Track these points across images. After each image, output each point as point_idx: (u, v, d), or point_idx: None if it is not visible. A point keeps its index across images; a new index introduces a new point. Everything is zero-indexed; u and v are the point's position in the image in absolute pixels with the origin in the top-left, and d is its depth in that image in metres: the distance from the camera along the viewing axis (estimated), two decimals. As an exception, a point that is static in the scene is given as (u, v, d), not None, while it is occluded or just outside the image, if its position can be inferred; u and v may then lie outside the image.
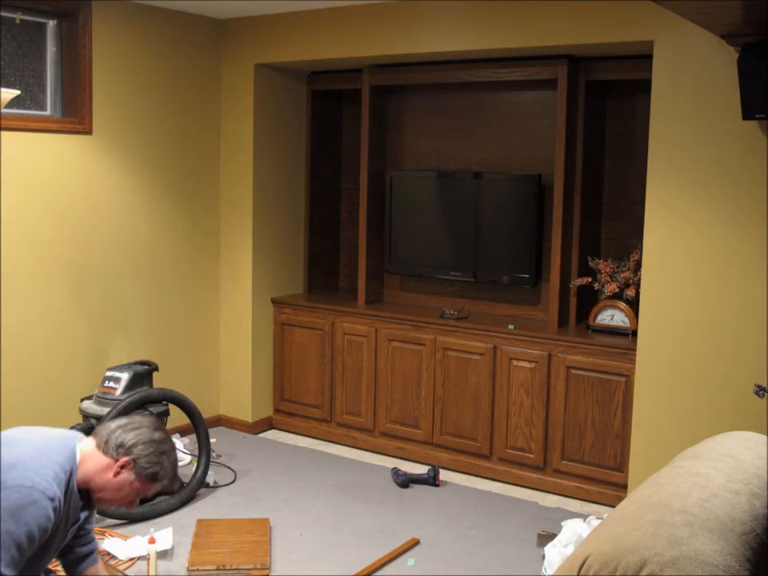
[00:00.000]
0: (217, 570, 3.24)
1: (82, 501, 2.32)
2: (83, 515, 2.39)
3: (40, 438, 2.29)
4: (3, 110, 3.56)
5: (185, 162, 4.77)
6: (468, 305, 4.76)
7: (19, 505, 2.07)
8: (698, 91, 3.57)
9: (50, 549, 2.28)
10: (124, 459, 2.30)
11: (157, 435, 2.37)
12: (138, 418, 2.42)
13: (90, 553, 2.53)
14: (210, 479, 4.09)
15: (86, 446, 2.33)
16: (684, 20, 3.23)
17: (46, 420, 4.14)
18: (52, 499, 2.13)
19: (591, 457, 4.06)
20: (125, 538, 3.47)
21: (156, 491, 2.43)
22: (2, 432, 2.33)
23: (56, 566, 2.74)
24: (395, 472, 4.25)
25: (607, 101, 4.38)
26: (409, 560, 3.38)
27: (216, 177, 4.98)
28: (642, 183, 3.90)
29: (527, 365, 4.18)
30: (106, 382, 3.90)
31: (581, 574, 1.26)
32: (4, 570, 2.05)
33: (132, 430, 2.34)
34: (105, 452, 2.31)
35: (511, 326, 4.27)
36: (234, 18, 4.82)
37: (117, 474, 2.30)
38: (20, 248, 3.99)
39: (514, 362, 4.22)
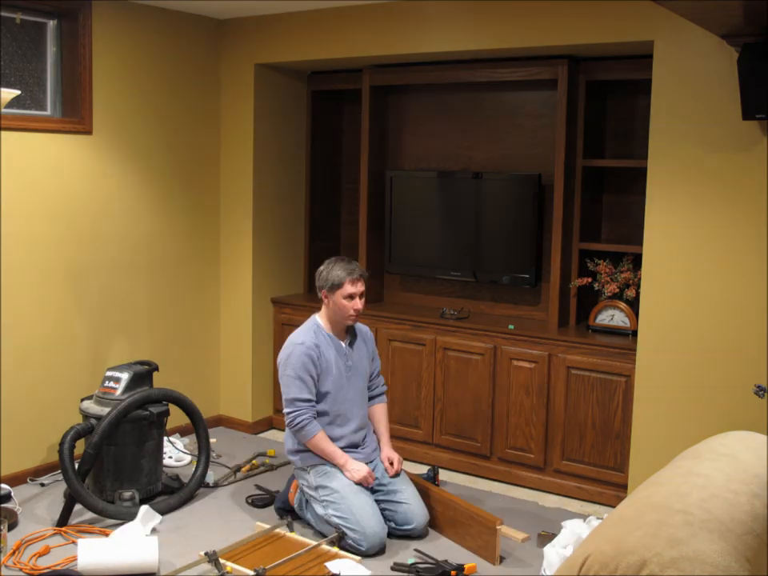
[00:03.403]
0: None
1: (341, 342, 3.63)
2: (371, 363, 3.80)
3: None
4: (3, 110, 3.56)
5: (185, 162, 4.77)
6: (468, 305, 4.76)
7: (286, 357, 3.53)
8: (698, 91, 3.56)
9: (342, 389, 3.60)
10: (322, 293, 3.58)
11: (322, 266, 3.60)
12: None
13: (378, 395, 3.86)
14: (209, 479, 4.09)
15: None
16: (684, 20, 3.23)
17: (46, 420, 4.15)
18: (302, 343, 3.51)
19: (591, 457, 4.06)
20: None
21: (355, 288, 3.54)
22: None
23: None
24: (395, 472, 4.25)
25: (607, 101, 4.38)
26: (409, 559, 3.38)
27: (216, 177, 4.98)
28: (642, 183, 3.90)
29: (527, 365, 4.18)
30: (106, 381, 3.90)
31: (581, 574, 1.26)
32: (295, 395, 3.49)
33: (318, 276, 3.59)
34: (322, 302, 3.61)
35: (511, 326, 4.27)
36: (234, 17, 4.82)
37: (327, 304, 3.59)
38: (20, 248, 3.99)
39: (514, 362, 4.22)
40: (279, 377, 3.56)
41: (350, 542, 3.37)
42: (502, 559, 3.40)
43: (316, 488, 3.52)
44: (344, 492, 3.45)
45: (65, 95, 4.24)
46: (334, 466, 3.52)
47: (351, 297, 3.52)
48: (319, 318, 3.62)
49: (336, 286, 3.50)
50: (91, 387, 4.21)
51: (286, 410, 3.52)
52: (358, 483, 3.49)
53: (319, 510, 3.49)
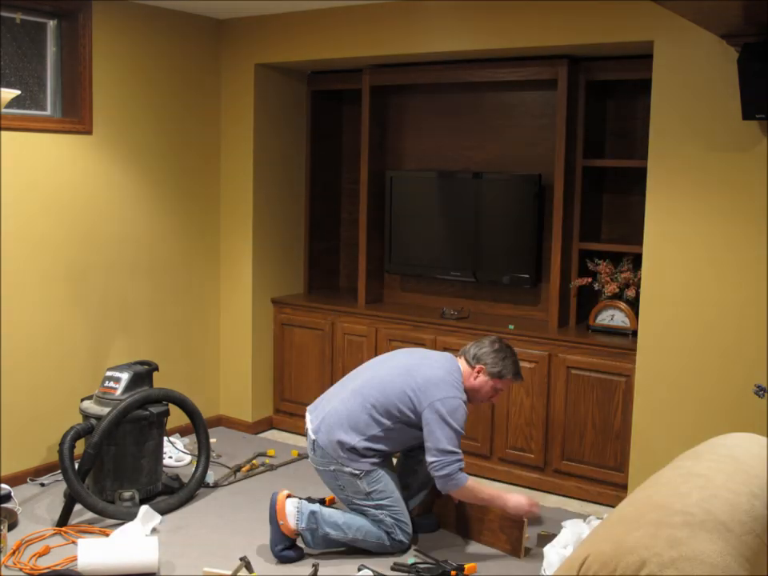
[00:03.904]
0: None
1: None
2: None
3: (438, 360, 3.50)
4: (3, 110, 3.57)
5: (185, 162, 4.77)
6: (468, 305, 4.76)
7: (454, 408, 3.32)
8: (698, 91, 3.56)
9: None
10: (478, 366, 3.47)
11: (497, 346, 3.51)
12: (484, 340, 3.56)
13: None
14: (209, 479, 4.09)
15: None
16: (684, 20, 3.23)
17: (46, 420, 4.15)
18: (465, 403, 3.40)
19: (591, 457, 4.06)
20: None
21: (507, 385, 3.60)
22: (392, 356, 3.64)
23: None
24: (395, 472, 4.26)
25: (607, 101, 4.38)
26: (409, 559, 3.38)
27: (216, 177, 4.98)
28: (642, 183, 3.90)
29: (527, 365, 4.17)
30: (106, 381, 3.90)
31: (580, 574, 1.26)
32: (453, 448, 3.30)
33: (480, 347, 3.51)
34: (467, 364, 3.50)
35: (511, 326, 4.27)
36: (234, 17, 4.82)
37: (475, 377, 3.47)
38: (20, 248, 3.99)
39: (514, 362, 4.21)
40: (438, 421, 3.28)
41: (397, 539, 3.39)
42: (527, 551, 3.47)
43: (369, 493, 3.39)
44: (395, 495, 3.43)
45: (65, 95, 4.24)
46: (384, 468, 3.43)
47: (498, 392, 3.53)
48: (460, 377, 3.44)
49: (498, 376, 3.46)
50: (91, 387, 4.21)
51: (437, 458, 3.27)
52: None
53: (373, 511, 3.38)
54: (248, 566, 3.16)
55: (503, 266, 4.52)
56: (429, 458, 3.30)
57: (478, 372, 3.45)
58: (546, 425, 4.16)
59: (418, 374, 3.39)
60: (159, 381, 4.14)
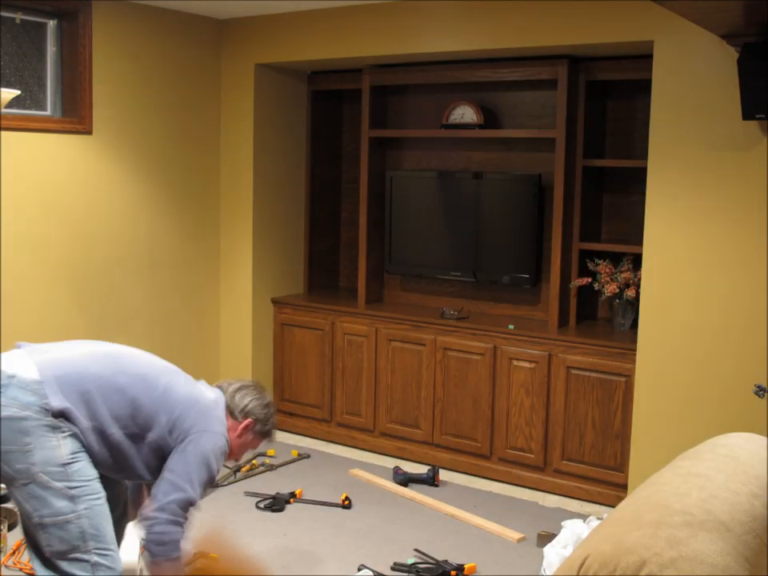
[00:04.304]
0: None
1: None
2: None
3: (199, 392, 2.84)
4: (3, 110, 3.57)
5: (185, 162, 4.77)
6: (468, 305, 4.76)
7: (222, 452, 2.58)
8: (698, 91, 3.57)
9: None
10: (246, 421, 2.67)
11: (267, 399, 2.76)
12: (248, 382, 2.83)
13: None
14: (209, 479, 4.09)
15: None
16: (684, 20, 3.23)
17: (45, 420, 4.15)
18: (226, 442, 2.62)
19: (591, 457, 4.06)
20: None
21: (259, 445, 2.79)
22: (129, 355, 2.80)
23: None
24: (395, 471, 4.25)
25: (607, 101, 4.38)
26: (409, 559, 3.38)
27: (216, 177, 4.98)
28: (642, 183, 3.90)
29: (527, 365, 4.18)
30: (106, 382, 3.89)
31: (580, 573, 1.26)
32: (195, 499, 2.65)
33: (247, 395, 2.74)
34: (231, 414, 2.70)
35: (511, 326, 4.27)
36: (234, 17, 4.82)
37: (240, 435, 2.67)
38: (20, 248, 3.99)
39: (514, 362, 4.22)
40: (191, 457, 2.55)
41: None
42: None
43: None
44: None
45: (65, 95, 4.24)
46: None
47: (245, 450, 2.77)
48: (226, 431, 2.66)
49: (265, 435, 2.75)
50: (91, 387, 4.21)
51: (170, 506, 2.60)
52: None
53: None
54: None
55: (503, 265, 4.52)
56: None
57: (245, 428, 2.67)
58: (545, 425, 4.16)
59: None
60: (159, 381, 4.14)
